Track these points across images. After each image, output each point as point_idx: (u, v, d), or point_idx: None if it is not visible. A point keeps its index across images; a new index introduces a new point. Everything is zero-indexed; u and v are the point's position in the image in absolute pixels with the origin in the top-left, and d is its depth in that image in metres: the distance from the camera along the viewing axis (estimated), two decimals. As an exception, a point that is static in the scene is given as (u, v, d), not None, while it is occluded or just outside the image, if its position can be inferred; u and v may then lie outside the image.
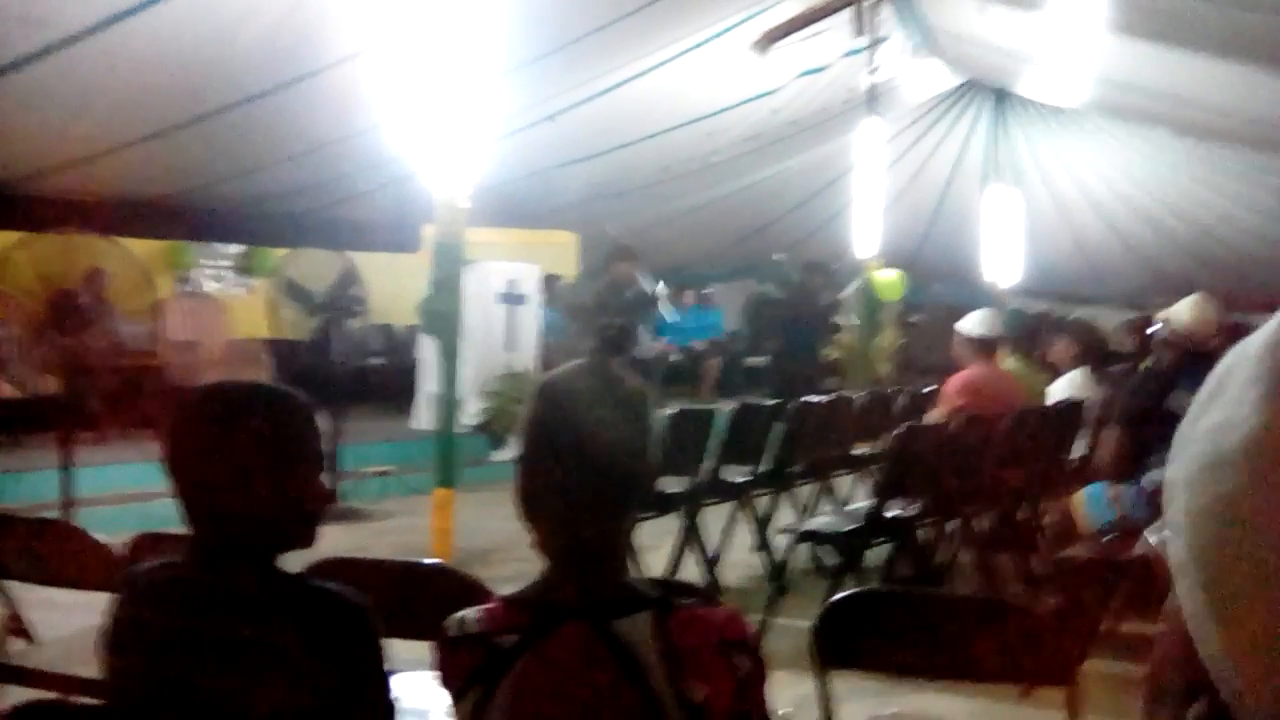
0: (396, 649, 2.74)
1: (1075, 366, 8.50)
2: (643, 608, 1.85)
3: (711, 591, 6.04)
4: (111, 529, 7.26)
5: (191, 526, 2.09)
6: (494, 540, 7.59)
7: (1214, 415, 0.78)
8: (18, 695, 3.74)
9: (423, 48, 6.81)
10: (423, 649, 2.05)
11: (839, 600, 2.89)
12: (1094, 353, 8.73)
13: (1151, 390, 5.79)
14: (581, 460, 1.88)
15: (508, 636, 1.84)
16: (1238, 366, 0.80)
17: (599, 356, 1.98)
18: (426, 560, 3.55)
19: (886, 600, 3.17)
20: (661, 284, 12.68)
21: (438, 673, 1.90)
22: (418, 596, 2.98)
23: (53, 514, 7.30)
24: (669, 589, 2.06)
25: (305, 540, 2.15)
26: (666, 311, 13.61)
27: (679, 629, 1.83)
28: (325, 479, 2.18)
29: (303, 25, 8.07)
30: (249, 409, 2.08)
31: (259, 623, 1.96)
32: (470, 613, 1.90)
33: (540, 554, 1.94)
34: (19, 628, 3.85)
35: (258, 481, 2.04)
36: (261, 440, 2.05)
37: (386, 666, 2.08)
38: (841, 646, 2.85)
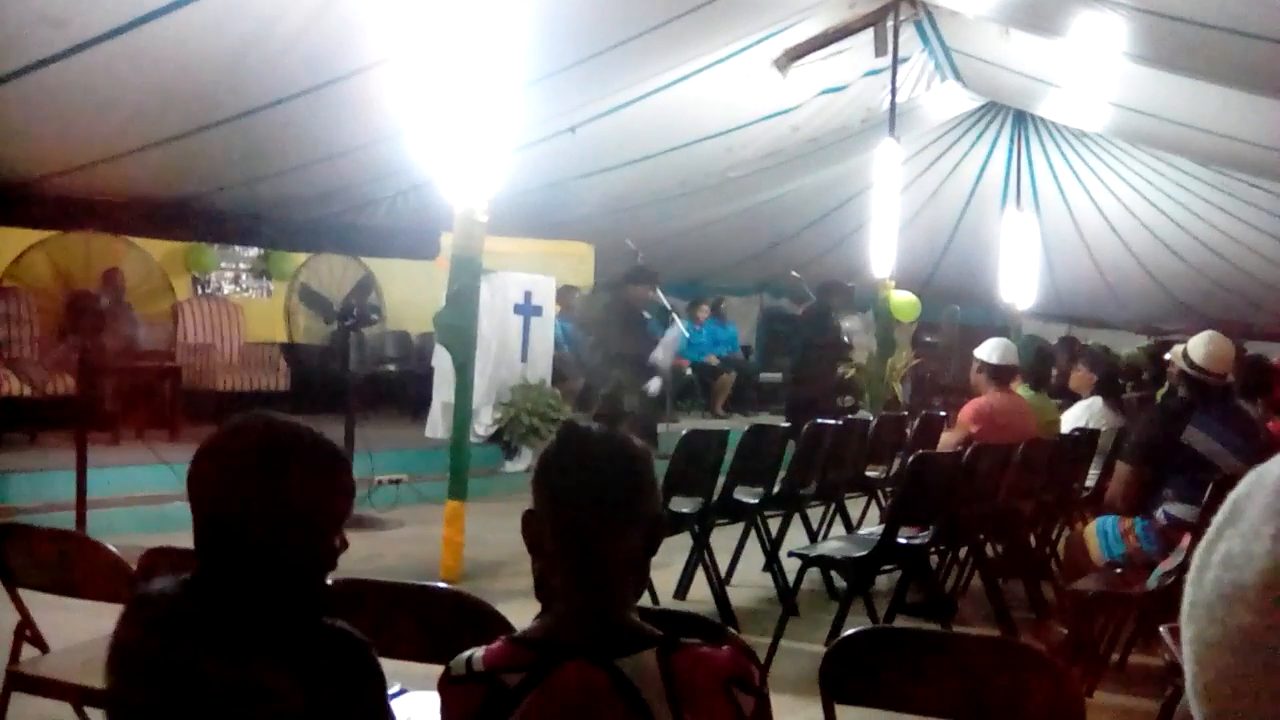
0: (408, 670, 2.77)
1: (1093, 394, 8.51)
2: (646, 646, 1.86)
3: (721, 620, 6.03)
4: (123, 530, 7.35)
5: (202, 554, 2.04)
6: (505, 553, 7.59)
7: (1231, 543, 0.78)
8: (29, 704, 3.77)
9: (445, 58, 6.84)
10: (433, 670, 2.06)
11: (848, 636, 2.89)
12: (1112, 381, 8.72)
13: (1165, 425, 5.78)
14: (589, 504, 1.92)
15: (513, 675, 1.85)
16: (1255, 494, 0.79)
17: (604, 421, 2.00)
18: (441, 584, 3.56)
19: (896, 638, 3.17)
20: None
21: (442, 712, 1.91)
22: (431, 620, 2.99)
23: (66, 514, 7.32)
24: (675, 624, 2.07)
25: (313, 591, 2.09)
26: (682, 327, 13.62)
27: (683, 667, 1.84)
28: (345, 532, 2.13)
29: (326, 32, 8.09)
30: (289, 451, 2.03)
31: (260, 664, 1.93)
32: (475, 652, 1.90)
33: (543, 595, 1.96)
34: (31, 635, 3.86)
35: (283, 526, 2.01)
36: (297, 486, 2.01)
37: (389, 704, 2.07)
38: (850, 681, 2.85)
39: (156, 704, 1.99)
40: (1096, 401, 8.39)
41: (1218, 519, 0.81)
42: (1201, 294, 18.21)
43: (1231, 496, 0.81)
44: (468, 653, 1.91)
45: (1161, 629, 3.26)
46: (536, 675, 1.83)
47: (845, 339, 13.42)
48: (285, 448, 2.05)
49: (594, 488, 1.92)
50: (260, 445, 2.05)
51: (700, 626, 2.51)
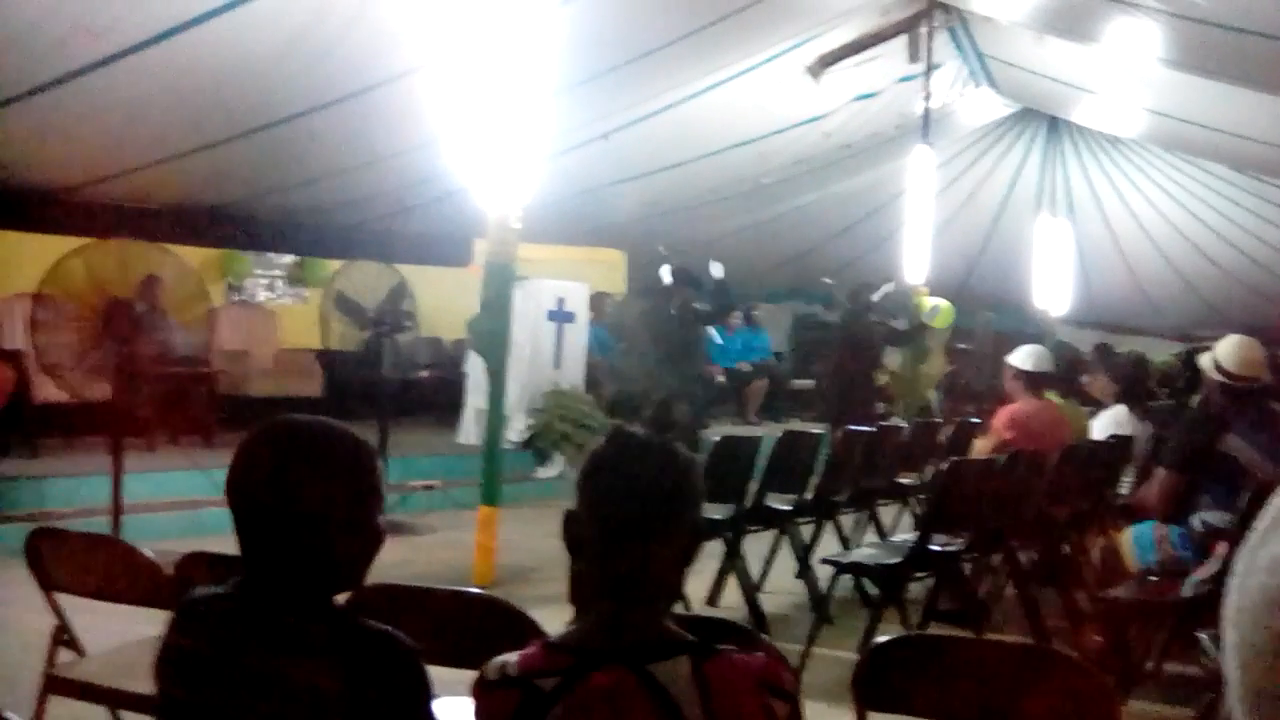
0: (440, 675, 2.77)
1: (1117, 402, 8.44)
2: (681, 652, 1.86)
3: (753, 626, 6.01)
4: (159, 535, 7.39)
5: (246, 558, 2.08)
6: (537, 558, 7.60)
7: (1276, 547, 0.78)
8: (66, 707, 3.79)
9: (480, 65, 6.85)
10: (466, 676, 2.06)
11: (881, 644, 2.88)
12: (1137, 390, 8.64)
13: (1203, 432, 5.73)
14: (632, 509, 1.91)
15: (548, 680, 1.85)
16: None
17: (653, 428, 2.01)
18: (474, 589, 3.56)
19: (929, 645, 3.16)
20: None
21: (476, 717, 1.91)
22: (464, 624, 2.99)
23: (101, 519, 7.36)
24: (709, 630, 2.07)
25: (356, 581, 2.16)
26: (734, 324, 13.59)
27: (717, 673, 1.84)
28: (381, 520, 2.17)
29: (360, 40, 8.13)
30: (321, 449, 2.08)
31: (309, 664, 1.95)
32: (510, 656, 1.91)
33: (577, 598, 1.97)
34: (67, 639, 3.89)
35: (323, 523, 2.04)
36: (332, 482, 2.05)
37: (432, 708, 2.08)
38: (883, 689, 2.84)
39: (205, 705, 2.02)
40: (1121, 410, 8.31)
41: (1262, 523, 0.80)
42: (1237, 300, 18.08)
43: (1277, 501, 0.80)
44: (502, 657, 1.91)
45: (1201, 635, 3.24)
46: (571, 680, 1.84)
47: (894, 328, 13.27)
48: (313, 443, 2.09)
49: (639, 494, 1.92)
50: (289, 443, 2.09)
51: (734, 633, 2.51)
